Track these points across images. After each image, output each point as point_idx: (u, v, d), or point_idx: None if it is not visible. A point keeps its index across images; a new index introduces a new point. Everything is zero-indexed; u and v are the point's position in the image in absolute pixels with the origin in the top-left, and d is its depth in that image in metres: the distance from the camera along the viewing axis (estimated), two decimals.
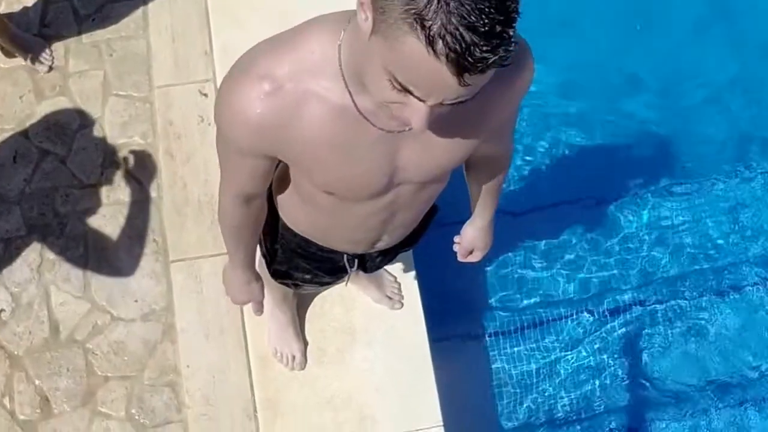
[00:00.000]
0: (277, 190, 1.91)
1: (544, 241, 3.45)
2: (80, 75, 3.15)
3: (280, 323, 2.83)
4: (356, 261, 2.11)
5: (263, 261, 2.25)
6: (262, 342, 2.88)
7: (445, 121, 1.41)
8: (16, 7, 3.21)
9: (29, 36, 3.14)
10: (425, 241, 3.10)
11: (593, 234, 3.48)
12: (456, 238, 2.22)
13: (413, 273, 2.97)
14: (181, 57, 3.19)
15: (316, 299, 2.94)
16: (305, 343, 2.89)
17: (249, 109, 1.44)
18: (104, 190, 3.02)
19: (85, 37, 3.19)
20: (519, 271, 3.39)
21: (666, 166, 3.60)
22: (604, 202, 3.53)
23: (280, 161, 1.66)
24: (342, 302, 2.95)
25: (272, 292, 2.72)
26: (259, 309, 2.13)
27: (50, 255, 2.94)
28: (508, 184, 3.46)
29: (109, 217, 2.99)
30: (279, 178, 1.88)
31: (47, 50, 3.13)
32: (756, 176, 3.57)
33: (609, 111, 3.62)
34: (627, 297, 3.37)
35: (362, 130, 1.48)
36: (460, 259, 2.24)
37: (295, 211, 1.91)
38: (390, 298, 2.94)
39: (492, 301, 3.34)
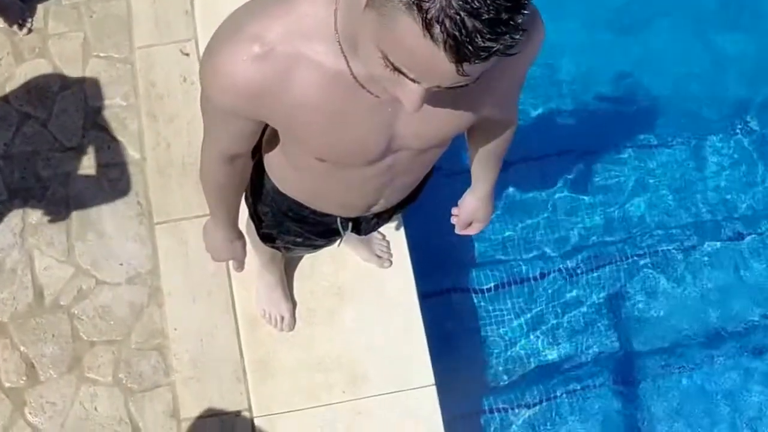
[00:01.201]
0: (266, 152, 1.87)
1: (531, 194, 3.47)
2: (60, 37, 3.12)
3: (268, 284, 2.83)
4: (350, 224, 2.06)
5: (251, 223, 2.23)
6: (250, 304, 2.88)
7: (446, 97, 1.36)
8: None
9: None
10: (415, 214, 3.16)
11: (579, 187, 3.48)
12: (454, 210, 2.16)
13: (402, 231, 2.97)
14: (162, 17, 3.16)
15: (304, 259, 2.93)
16: (294, 304, 2.88)
17: (236, 72, 1.37)
18: (86, 153, 3.00)
19: (65, 0, 3.20)
20: (507, 225, 3.39)
21: (652, 121, 3.61)
22: (588, 156, 3.52)
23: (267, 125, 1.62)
24: (331, 262, 2.94)
25: (260, 253, 2.70)
26: (240, 266, 2.10)
27: (33, 219, 2.92)
28: None
29: (91, 180, 2.98)
30: (268, 140, 1.83)
31: (26, 12, 3.11)
32: (743, 133, 3.56)
33: (597, 68, 3.63)
34: (613, 249, 3.39)
35: (358, 96, 1.41)
36: (458, 231, 2.18)
37: (286, 175, 1.85)
38: (379, 257, 2.94)
39: (480, 256, 3.33)
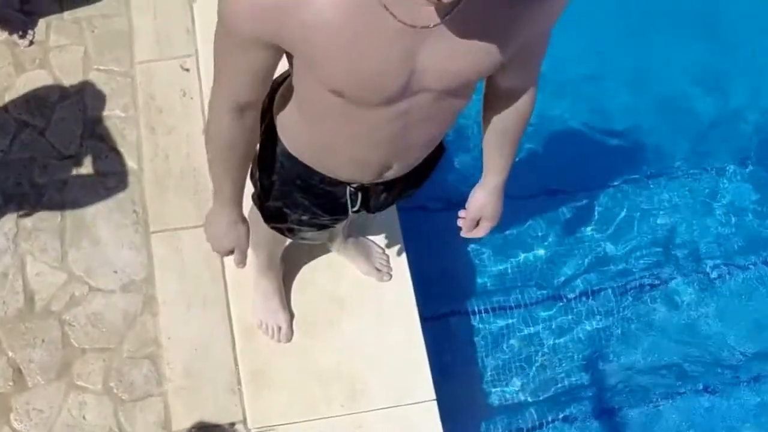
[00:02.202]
0: (278, 109, 1.88)
1: (529, 223, 3.50)
2: (61, 49, 3.17)
3: (266, 293, 2.81)
4: (359, 196, 2.03)
5: (254, 211, 2.22)
6: (247, 314, 2.85)
7: (472, 24, 1.41)
8: None
9: (9, 11, 3.17)
10: (415, 221, 3.21)
11: (576, 221, 3.53)
12: (461, 213, 2.13)
13: (401, 245, 2.97)
14: (163, 34, 3.22)
15: (303, 269, 2.93)
16: (291, 315, 2.86)
17: None
18: (83, 162, 3.01)
19: (67, 14, 3.22)
20: (506, 251, 3.43)
21: (643, 157, 3.68)
22: (582, 192, 3.57)
23: (285, 56, 1.60)
24: (330, 273, 2.93)
25: (258, 256, 2.71)
26: (242, 260, 2.05)
27: (27, 225, 2.90)
28: None
29: (88, 188, 2.98)
30: (282, 95, 1.86)
31: (27, 25, 3.16)
32: (734, 168, 3.63)
33: (592, 101, 3.74)
34: (610, 281, 3.43)
35: (381, 20, 1.41)
36: (464, 233, 2.15)
37: (298, 130, 1.85)
38: (378, 270, 2.94)
39: (479, 278, 3.34)
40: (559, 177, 3.61)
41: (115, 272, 2.89)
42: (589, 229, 3.52)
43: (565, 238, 3.48)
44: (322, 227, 2.25)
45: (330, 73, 1.53)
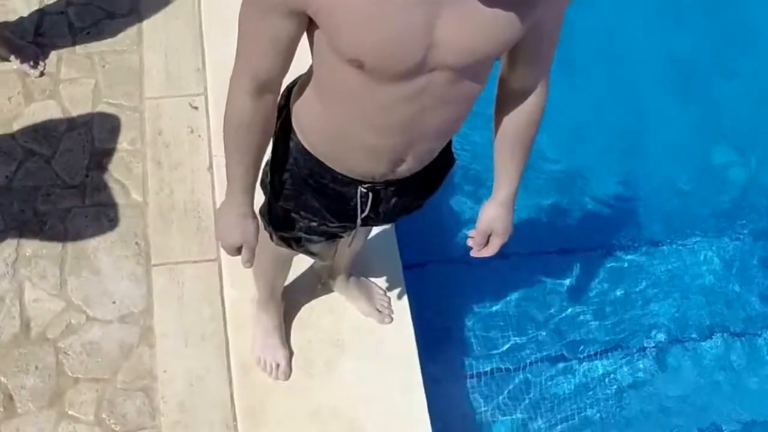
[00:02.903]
0: (295, 98, 1.93)
1: (533, 287, 3.55)
2: (71, 82, 3.23)
3: (266, 329, 2.82)
4: (370, 198, 2.06)
5: (262, 230, 2.25)
6: (245, 350, 2.84)
7: (486, 2, 1.49)
8: (12, 17, 3.33)
9: (23, 42, 3.25)
10: (417, 275, 3.25)
11: (581, 283, 3.56)
12: (470, 233, 2.16)
13: (403, 288, 3.00)
14: (173, 72, 3.30)
15: (304, 308, 2.94)
16: (291, 352, 2.87)
17: None
18: (88, 192, 3.04)
19: (79, 48, 3.30)
20: (510, 310, 3.43)
21: (650, 221, 3.74)
22: (589, 253, 3.62)
23: (306, 33, 1.66)
24: (330, 313, 2.94)
25: (260, 288, 2.73)
26: (250, 258, 2.05)
27: (27, 251, 2.92)
28: None
29: (91, 218, 3.01)
30: (299, 86, 1.91)
31: (40, 56, 3.24)
32: (743, 236, 3.71)
33: (606, 164, 3.83)
34: (613, 343, 3.46)
35: None
36: (474, 252, 2.18)
37: (314, 114, 1.88)
38: (380, 312, 2.95)
39: (481, 337, 3.36)
40: (568, 236, 3.68)
41: (114, 303, 2.89)
42: (594, 291, 3.57)
43: (571, 298, 3.52)
44: (330, 237, 2.26)
45: (351, 41, 1.58)
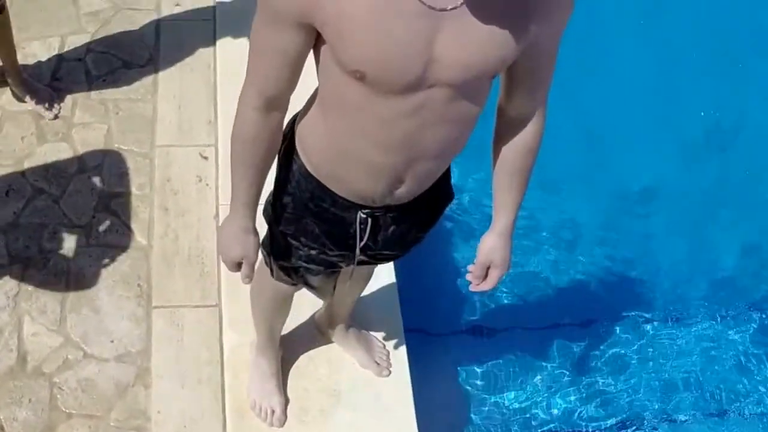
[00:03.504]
0: (299, 119, 2.01)
1: (528, 362, 3.60)
2: (84, 126, 3.34)
3: (263, 373, 2.85)
4: (369, 223, 2.10)
5: (259, 274, 2.31)
6: (241, 395, 2.86)
7: (487, 11, 1.59)
8: (31, 60, 3.46)
9: (40, 85, 3.37)
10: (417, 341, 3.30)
11: (577, 358, 3.62)
12: (470, 267, 2.21)
13: (401, 341, 3.05)
14: (185, 122, 3.41)
15: (302, 357, 2.97)
16: (286, 400, 2.89)
17: None
18: (93, 233, 3.11)
19: (94, 94, 3.42)
20: (502, 382, 3.48)
21: (651, 297, 3.80)
22: (585, 328, 3.69)
23: (313, 51, 1.76)
24: (328, 363, 2.97)
25: (259, 331, 2.77)
26: (249, 274, 2.13)
27: (29, 286, 2.97)
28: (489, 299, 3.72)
29: (95, 258, 3.06)
30: (303, 109, 1.99)
31: (55, 99, 3.35)
32: (732, 319, 3.76)
33: (596, 237, 3.92)
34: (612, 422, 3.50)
35: (404, 0, 1.60)
36: (473, 287, 2.22)
37: (317, 131, 1.95)
38: (378, 364, 2.98)
39: (480, 399, 3.40)
40: (560, 312, 3.75)
41: (112, 342, 2.93)
42: (593, 364, 3.62)
43: (569, 373, 3.56)
44: (329, 266, 2.30)
45: (354, 52, 1.67)
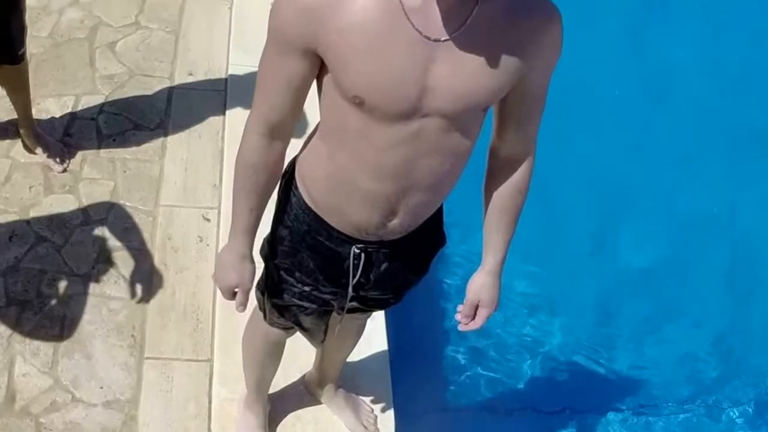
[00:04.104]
0: (301, 153, 2.12)
1: None
2: (91, 181, 3.46)
3: (250, 427, 2.88)
4: (362, 258, 2.18)
5: (257, 312, 2.46)
6: None
7: (479, 43, 1.73)
8: (44, 116, 3.61)
9: (51, 138, 3.51)
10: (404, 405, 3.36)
11: None
12: (459, 307, 2.28)
13: (390, 406, 3.10)
14: (191, 184, 3.53)
15: (289, 416, 3.00)
16: None
17: None
18: (92, 283, 3.19)
19: (103, 152, 3.56)
20: None
21: (654, 385, 3.87)
22: (590, 414, 3.75)
23: (319, 73, 1.87)
24: (316, 424, 3.00)
25: (249, 384, 2.82)
26: (244, 302, 2.20)
27: (24, 328, 3.04)
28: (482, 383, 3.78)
29: (91, 306, 3.14)
30: (306, 142, 2.10)
31: (65, 154, 3.49)
32: (734, 411, 3.86)
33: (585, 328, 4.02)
34: None
35: (403, 29, 1.73)
36: (462, 327, 2.28)
37: (317, 161, 2.05)
38: (365, 428, 3.01)
39: None
40: (565, 397, 3.81)
41: (101, 388, 2.98)
42: None
43: None
44: (322, 305, 2.35)
45: (354, 79, 1.80)
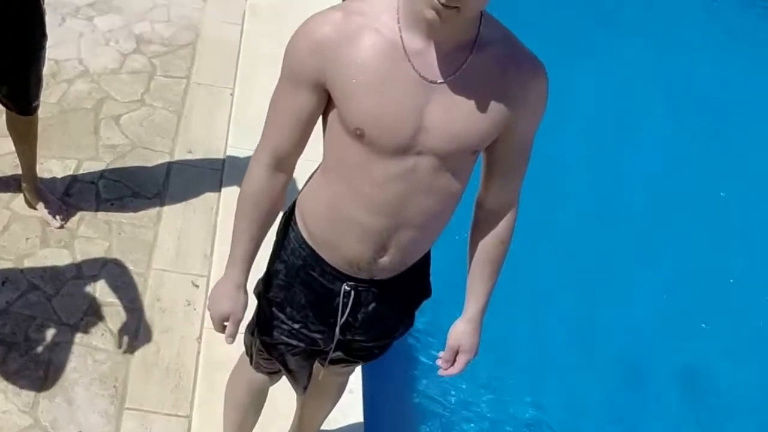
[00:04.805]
0: (303, 189, 2.29)
1: None
2: (87, 240, 3.61)
3: None
4: (351, 296, 2.30)
5: (243, 358, 2.60)
6: None
7: (472, 87, 1.96)
8: (47, 175, 3.78)
9: (51, 196, 3.67)
10: None
11: None
12: (440, 353, 2.42)
13: None
14: (183, 252, 3.68)
15: None
16: None
17: (318, 28, 1.97)
18: (80, 333, 3.30)
19: (101, 215, 3.71)
20: None
21: None
22: None
23: (324, 113, 2.07)
24: None
25: (226, 428, 2.92)
26: (233, 333, 2.31)
27: (9, 368, 3.12)
28: None
29: (77, 354, 3.23)
30: (308, 179, 2.28)
31: (64, 211, 3.64)
32: None
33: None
34: None
35: (404, 70, 1.95)
36: (442, 372, 2.42)
37: (317, 194, 2.21)
38: None
39: None
40: None
41: None
42: None
43: None
44: (309, 344, 2.45)
45: (356, 112, 1.99)
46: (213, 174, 4.05)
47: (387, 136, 2.01)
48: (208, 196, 3.95)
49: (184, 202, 3.89)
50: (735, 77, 5.90)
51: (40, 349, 3.23)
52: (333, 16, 1.99)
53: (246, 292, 2.32)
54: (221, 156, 4.15)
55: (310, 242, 2.30)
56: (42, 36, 3.25)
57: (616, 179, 5.10)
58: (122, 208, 3.78)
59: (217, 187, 3.99)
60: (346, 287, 2.32)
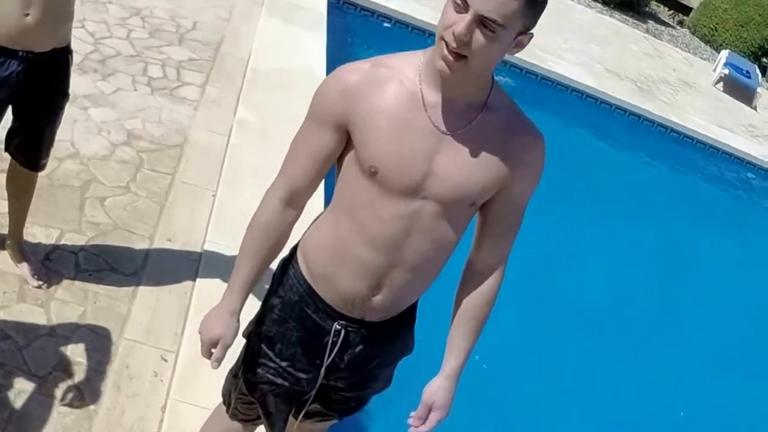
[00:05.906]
0: (307, 231, 2.49)
1: None
2: (63, 303, 3.71)
3: None
4: (341, 336, 2.46)
5: (219, 407, 2.72)
6: None
7: (478, 143, 2.23)
8: (31, 239, 3.91)
9: (32, 257, 3.80)
10: None
11: None
12: (412, 413, 2.54)
13: None
14: (155, 328, 3.80)
15: None
16: None
17: (348, 75, 2.26)
18: (48, 385, 3.36)
19: (78, 283, 3.83)
20: None
21: None
22: None
23: (336, 162, 2.33)
24: None
25: None
26: (220, 358, 2.46)
27: None
28: None
29: (42, 406, 3.29)
30: (315, 219, 2.49)
31: (43, 274, 3.77)
32: None
33: None
34: None
35: (421, 119, 2.22)
36: (412, 430, 2.53)
37: (322, 229, 2.43)
38: None
39: None
40: None
41: None
42: None
43: None
44: (293, 384, 2.57)
45: (372, 151, 2.24)
46: (190, 263, 4.22)
47: (398, 174, 2.25)
48: (184, 283, 4.11)
49: (159, 285, 4.04)
50: None
51: (5, 395, 3.29)
52: (362, 66, 2.28)
53: (238, 321, 2.50)
54: (199, 249, 4.33)
55: (308, 278, 2.49)
56: (64, 96, 3.47)
57: None
58: (100, 280, 3.92)
59: (193, 276, 4.15)
60: (337, 326, 2.50)
